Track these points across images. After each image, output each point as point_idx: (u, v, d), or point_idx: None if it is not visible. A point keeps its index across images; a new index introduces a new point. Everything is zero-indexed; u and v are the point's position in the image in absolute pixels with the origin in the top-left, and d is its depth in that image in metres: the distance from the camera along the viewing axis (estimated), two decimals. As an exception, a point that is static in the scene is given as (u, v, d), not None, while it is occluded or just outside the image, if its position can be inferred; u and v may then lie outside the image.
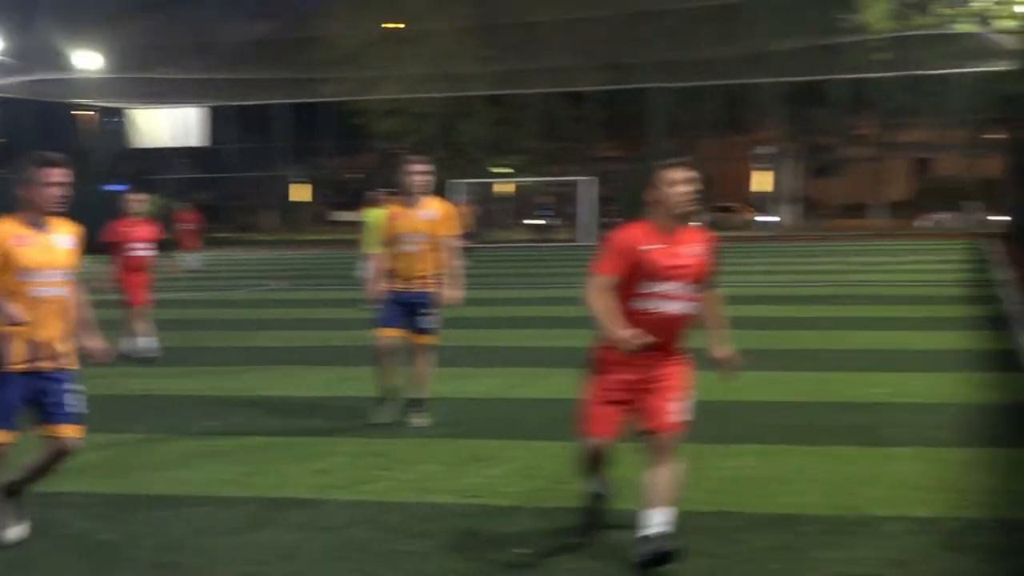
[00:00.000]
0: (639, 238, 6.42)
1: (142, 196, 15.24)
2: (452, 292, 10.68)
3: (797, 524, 7.24)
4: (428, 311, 10.63)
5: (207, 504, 8.13)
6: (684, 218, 6.47)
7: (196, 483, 8.80)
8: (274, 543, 7.10)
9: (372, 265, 11.11)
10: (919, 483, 8.23)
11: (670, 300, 6.38)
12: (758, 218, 63.56)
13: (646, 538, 6.12)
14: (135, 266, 15.00)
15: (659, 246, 6.36)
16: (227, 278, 35.33)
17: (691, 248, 6.47)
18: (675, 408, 6.46)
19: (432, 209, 10.68)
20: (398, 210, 10.77)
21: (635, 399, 6.47)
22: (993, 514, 7.49)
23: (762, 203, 63.86)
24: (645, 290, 6.35)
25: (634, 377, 6.43)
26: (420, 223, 10.55)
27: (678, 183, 6.38)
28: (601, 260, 6.44)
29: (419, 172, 10.55)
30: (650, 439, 6.40)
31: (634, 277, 6.36)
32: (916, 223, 61.39)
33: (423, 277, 10.59)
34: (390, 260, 10.71)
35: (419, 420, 10.60)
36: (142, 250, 15.06)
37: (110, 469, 9.30)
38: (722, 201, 62.96)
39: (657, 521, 6.13)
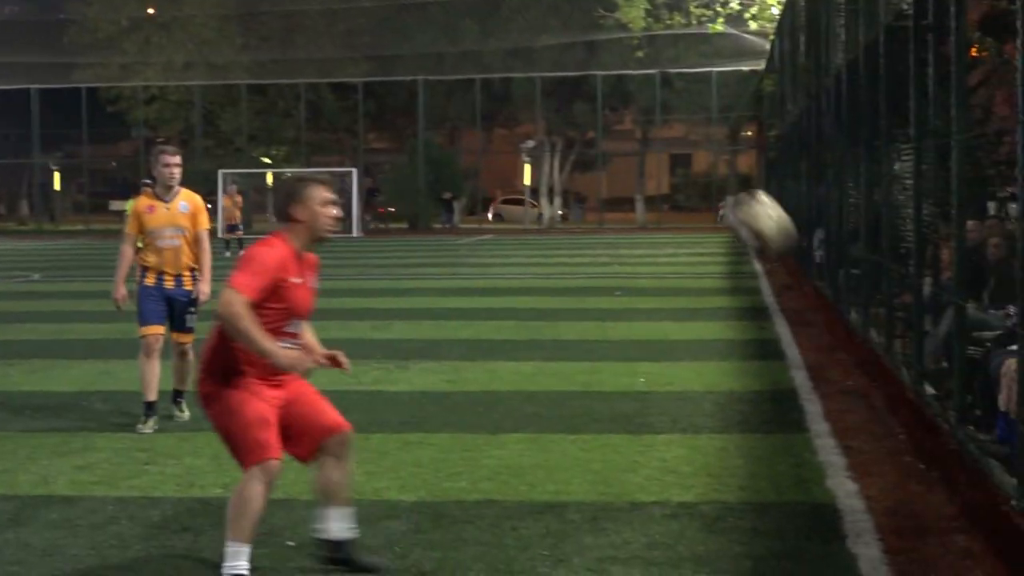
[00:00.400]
0: (288, 265, 5.79)
1: None
2: (203, 287, 10.37)
3: (564, 511, 7.27)
4: (189, 308, 10.36)
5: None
6: (320, 244, 6.01)
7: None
8: (34, 541, 6.82)
9: (121, 259, 10.42)
10: (680, 468, 8.37)
11: (297, 338, 5.96)
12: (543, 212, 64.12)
13: (338, 543, 6.07)
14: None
15: (299, 280, 5.87)
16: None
17: (311, 279, 6.06)
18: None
19: (186, 201, 10.31)
20: (152, 203, 10.26)
21: (286, 415, 5.94)
22: (748, 497, 7.67)
23: (533, 196, 64.45)
24: (284, 325, 5.84)
25: (280, 394, 5.93)
26: (179, 216, 10.19)
27: (330, 203, 5.88)
28: (247, 277, 5.65)
29: (174, 164, 10.17)
30: (333, 439, 6.02)
31: (273, 307, 5.75)
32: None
33: (182, 272, 10.28)
34: (147, 254, 10.28)
35: (181, 414, 10.35)
36: None
37: None
38: (504, 193, 63.86)
39: (347, 523, 6.08)
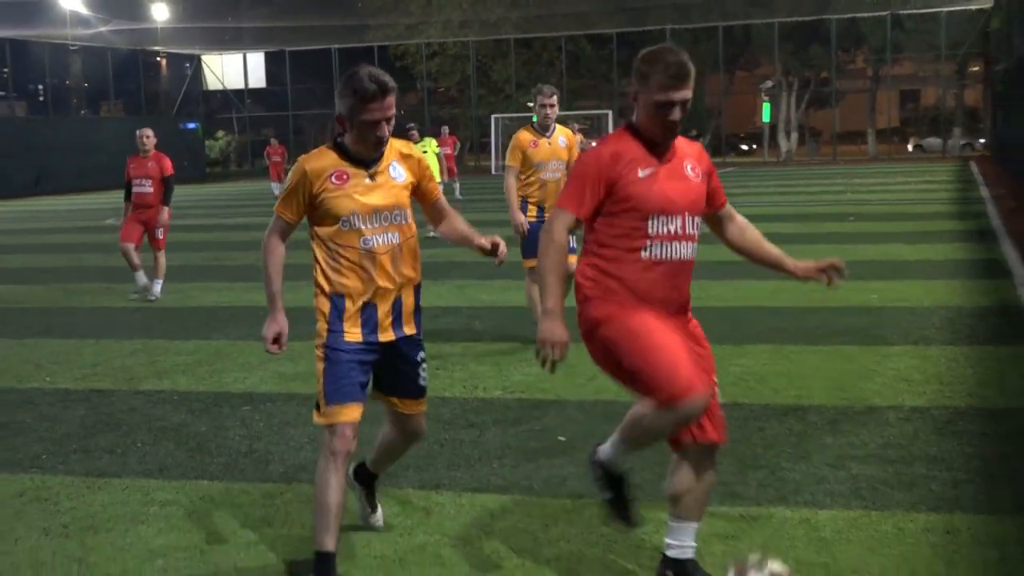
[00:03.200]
0: (622, 160, 4.35)
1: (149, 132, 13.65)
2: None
3: (805, 414, 7.28)
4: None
5: (278, 400, 8.28)
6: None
7: (270, 382, 8.94)
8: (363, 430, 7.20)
9: (509, 191, 9.90)
10: (911, 377, 8.26)
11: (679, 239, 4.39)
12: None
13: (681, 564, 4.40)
14: (136, 203, 13.64)
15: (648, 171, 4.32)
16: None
17: (683, 168, 4.48)
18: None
19: (564, 136, 10.04)
20: (535, 138, 9.92)
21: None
22: (978, 404, 7.52)
23: (772, 132, 63.22)
24: (643, 227, 4.33)
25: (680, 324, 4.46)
26: (559, 150, 9.94)
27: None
28: (564, 193, 4.49)
29: (549, 104, 9.81)
30: (703, 445, 4.37)
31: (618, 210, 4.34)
32: (911, 147, 61.11)
33: None
34: (531, 187, 9.90)
35: None
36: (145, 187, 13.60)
37: (200, 371, 9.47)
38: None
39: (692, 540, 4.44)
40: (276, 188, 38.00)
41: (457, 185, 33.36)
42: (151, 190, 13.39)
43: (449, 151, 32.99)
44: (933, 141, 58.87)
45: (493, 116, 49.73)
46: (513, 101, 58.61)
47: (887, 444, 6.56)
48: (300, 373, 8.93)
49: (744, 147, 67.08)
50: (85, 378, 9.34)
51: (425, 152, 19.92)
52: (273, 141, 41.85)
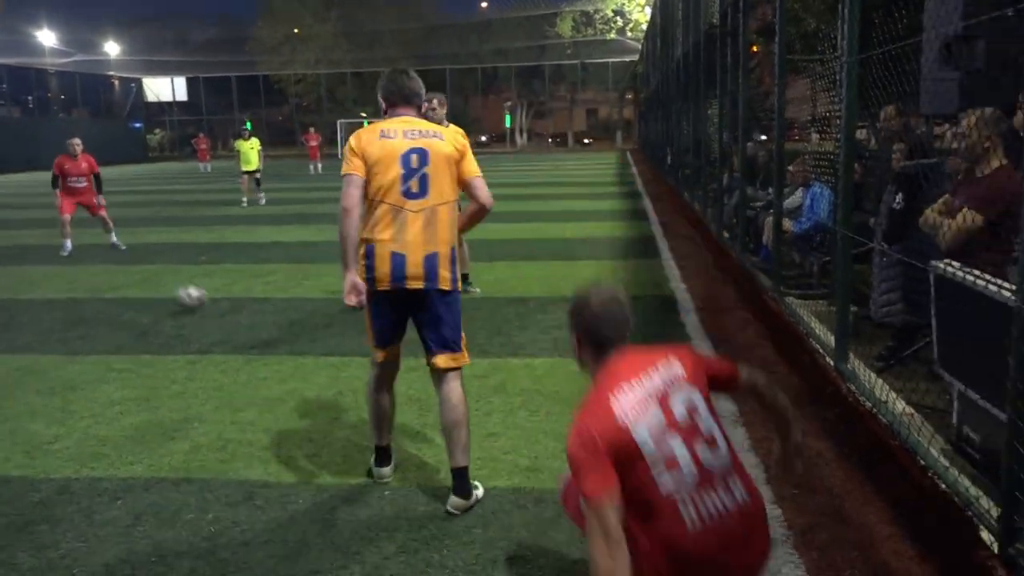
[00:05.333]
0: None
1: (78, 141, 11.42)
2: None
3: (526, 302, 7.35)
4: None
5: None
6: None
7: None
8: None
9: None
10: (597, 275, 8.44)
11: None
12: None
13: None
14: (71, 191, 11.55)
15: None
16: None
17: None
18: None
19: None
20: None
21: None
22: (633, 292, 7.75)
23: (511, 133, 63.41)
24: None
25: None
26: None
27: None
28: None
29: (435, 108, 6.46)
30: None
31: None
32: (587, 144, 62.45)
33: None
34: None
35: None
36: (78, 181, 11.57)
37: (145, 285, 8.86)
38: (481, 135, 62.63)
39: None
40: (203, 167, 35.65)
41: (320, 165, 32.25)
42: (85, 184, 11.51)
43: (314, 144, 31.64)
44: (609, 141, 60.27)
45: (338, 121, 48.07)
46: (351, 112, 56.74)
47: (576, 319, 6.71)
48: (217, 287, 8.48)
49: (495, 142, 66.98)
50: (65, 291, 8.64)
51: (252, 149, 18.66)
52: (201, 135, 39.27)
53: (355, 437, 4.22)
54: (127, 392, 5.10)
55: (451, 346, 3.37)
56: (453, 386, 3.38)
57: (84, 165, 11.62)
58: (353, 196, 3.23)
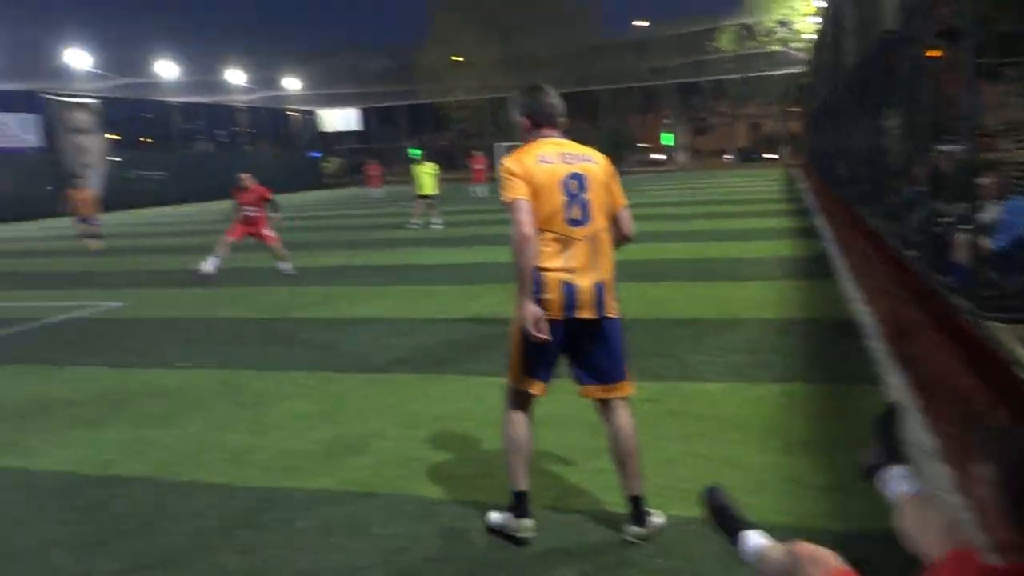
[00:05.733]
0: None
1: (248, 175, 12.00)
2: None
3: (696, 323, 7.21)
4: None
5: (380, 323, 8.13)
6: None
7: (374, 311, 8.79)
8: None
9: None
10: (762, 300, 8.15)
11: None
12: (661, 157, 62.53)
13: None
14: (245, 220, 12.10)
15: None
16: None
17: None
18: None
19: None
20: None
21: None
22: (801, 315, 7.46)
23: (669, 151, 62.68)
24: None
25: None
26: None
27: None
28: None
29: None
30: None
31: None
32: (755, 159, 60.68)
33: None
34: None
35: None
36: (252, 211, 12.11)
37: (325, 305, 9.38)
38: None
39: None
40: (374, 193, 37.15)
41: (484, 188, 33.25)
42: (257, 213, 12.09)
43: (479, 167, 32.87)
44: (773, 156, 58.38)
45: (494, 144, 49.40)
46: (511, 136, 57.89)
47: (748, 340, 6.51)
48: (392, 308, 8.86)
49: (654, 162, 66.32)
50: (254, 310, 9.30)
51: (427, 173, 18.95)
52: (371, 161, 41.17)
53: (529, 458, 4.26)
54: (314, 407, 5.40)
55: (620, 375, 3.28)
56: (625, 415, 3.29)
57: (254, 195, 12.33)
58: (528, 223, 3.10)
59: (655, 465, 3.95)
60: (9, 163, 34.35)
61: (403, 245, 15.43)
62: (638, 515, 3.27)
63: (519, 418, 3.31)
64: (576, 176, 3.17)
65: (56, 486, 4.27)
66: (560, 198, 3.14)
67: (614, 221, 3.31)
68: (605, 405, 3.30)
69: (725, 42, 52.29)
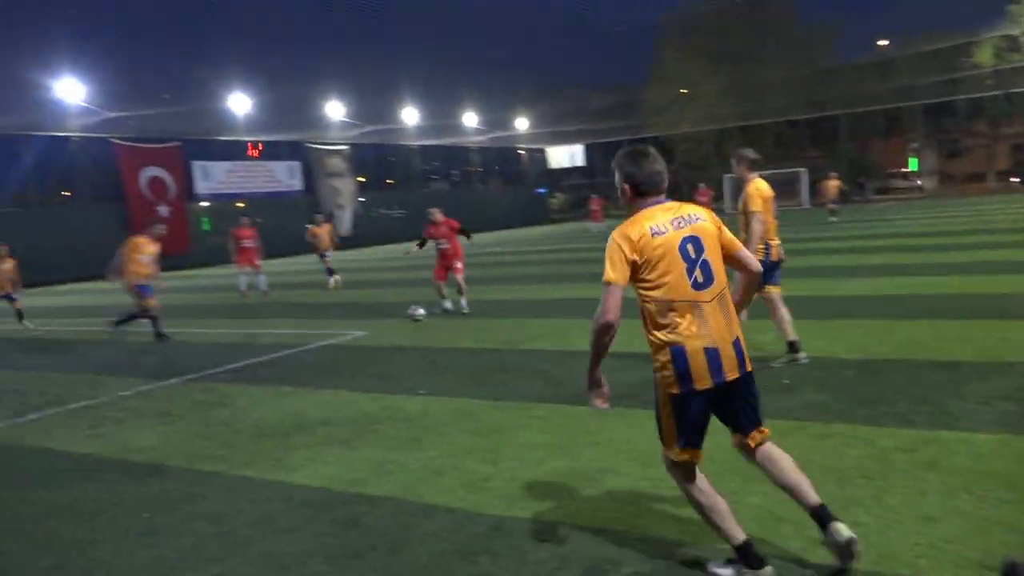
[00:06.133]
0: None
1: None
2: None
3: (958, 367, 6.51)
4: None
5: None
6: None
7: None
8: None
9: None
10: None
11: None
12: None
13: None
14: (439, 253, 12.54)
15: None
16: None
17: None
18: None
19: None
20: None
21: None
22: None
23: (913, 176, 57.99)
24: None
25: None
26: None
27: None
28: None
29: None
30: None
31: None
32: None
33: None
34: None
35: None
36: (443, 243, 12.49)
37: (554, 337, 9.53)
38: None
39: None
40: (592, 227, 37.42)
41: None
42: (448, 245, 12.43)
43: (704, 200, 32.30)
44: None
45: (724, 176, 48.28)
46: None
47: (1020, 387, 5.79)
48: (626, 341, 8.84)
49: (898, 189, 61.62)
50: (485, 341, 9.63)
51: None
52: (594, 196, 41.30)
53: (769, 504, 4.03)
54: (546, 438, 5.47)
55: (762, 419, 3.35)
56: (774, 446, 3.33)
57: (445, 228, 12.66)
58: (615, 312, 3.19)
59: (911, 522, 3.62)
60: (277, 206, 38.68)
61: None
62: (828, 516, 3.20)
63: (695, 485, 3.34)
64: (691, 239, 3.19)
65: (314, 500, 4.63)
66: (681, 265, 3.16)
67: (736, 264, 3.38)
68: (761, 449, 3.32)
69: (984, 56, 47.64)
